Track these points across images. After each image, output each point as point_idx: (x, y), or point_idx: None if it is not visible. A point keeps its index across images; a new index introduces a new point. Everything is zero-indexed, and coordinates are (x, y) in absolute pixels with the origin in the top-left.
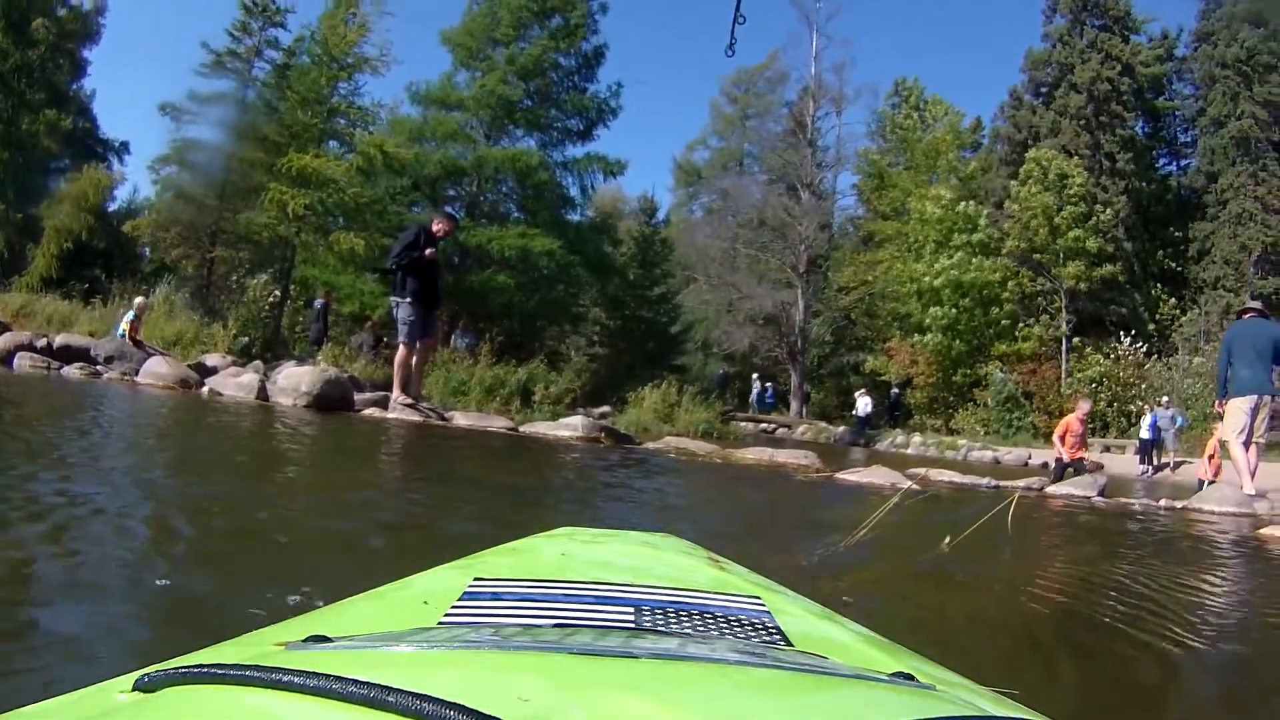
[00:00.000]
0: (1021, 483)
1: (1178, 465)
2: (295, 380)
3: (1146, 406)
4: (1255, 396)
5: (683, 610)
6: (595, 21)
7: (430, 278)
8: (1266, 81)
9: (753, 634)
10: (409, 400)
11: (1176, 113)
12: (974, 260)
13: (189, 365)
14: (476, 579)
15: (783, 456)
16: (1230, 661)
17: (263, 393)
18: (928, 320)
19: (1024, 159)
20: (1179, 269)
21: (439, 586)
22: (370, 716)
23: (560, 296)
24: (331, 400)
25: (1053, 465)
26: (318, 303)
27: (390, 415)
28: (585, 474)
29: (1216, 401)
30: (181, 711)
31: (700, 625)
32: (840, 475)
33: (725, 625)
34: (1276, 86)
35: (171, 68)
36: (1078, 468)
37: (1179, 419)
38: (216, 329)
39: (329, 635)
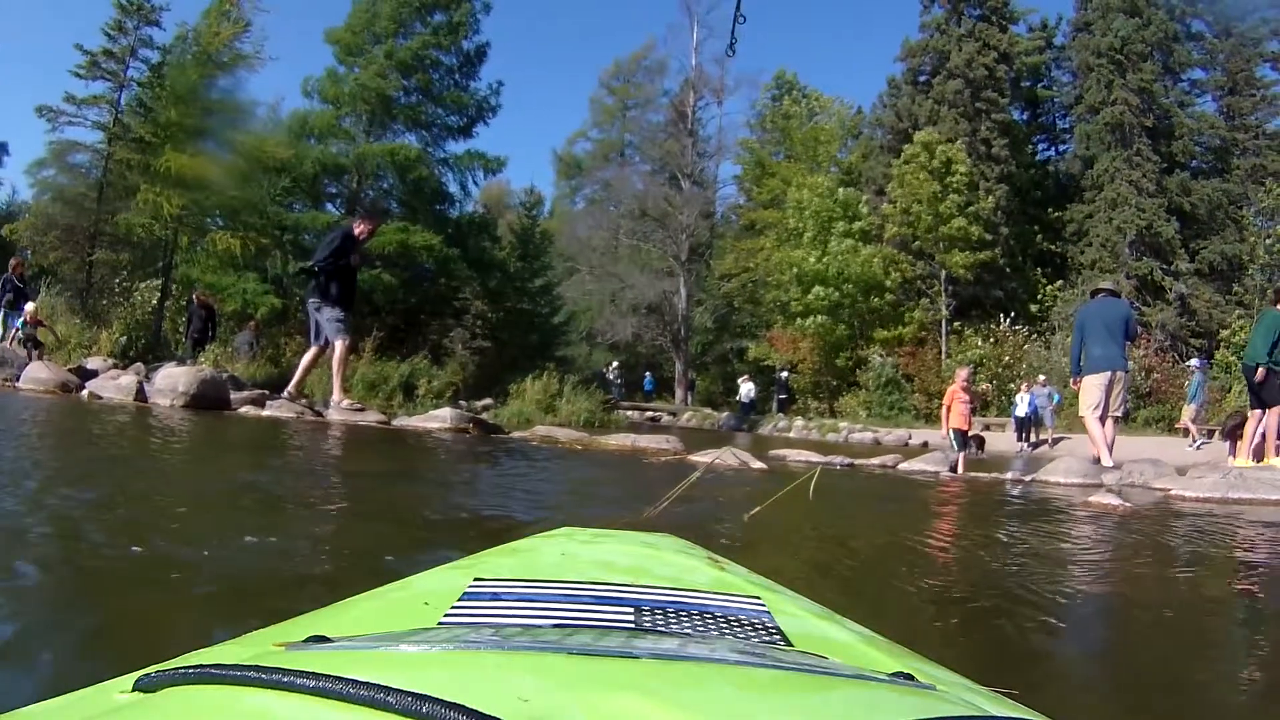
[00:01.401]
0: (876, 460)
1: (1056, 441)
2: (172, 381)
3: (1024, 385)
4: (1109, 373)
5: (683, 610)
6: (478, 20)
7: (351, 281)
8: (1140, 70)
9: (753, 634)
10: (356, 405)
11: (1055, 100)
12: (855, 246)
13: (70, 369)
14: (476, 579)
15: (644, 442)
16: (950, 598)
17: (141, 394)
18: (810, 300)
19: (903, 147)
20: (1058, 252)
21: (439, 586)
22: (370, 716)
23: (442, 291)
24: (207, 400)
25: (950, 439)
26: (195, 305)
27: (265, 413)
28: (443, 461)
29: (1072, 379)
30: (181, 711)
31: (700, 625)
32: (692, 457)
33: (725, 625)
34: (1149, 74)
35: (52, 68)
36: (973, 440)
37: (1055, 397)
38: (99, 332)
39: (329, 635)
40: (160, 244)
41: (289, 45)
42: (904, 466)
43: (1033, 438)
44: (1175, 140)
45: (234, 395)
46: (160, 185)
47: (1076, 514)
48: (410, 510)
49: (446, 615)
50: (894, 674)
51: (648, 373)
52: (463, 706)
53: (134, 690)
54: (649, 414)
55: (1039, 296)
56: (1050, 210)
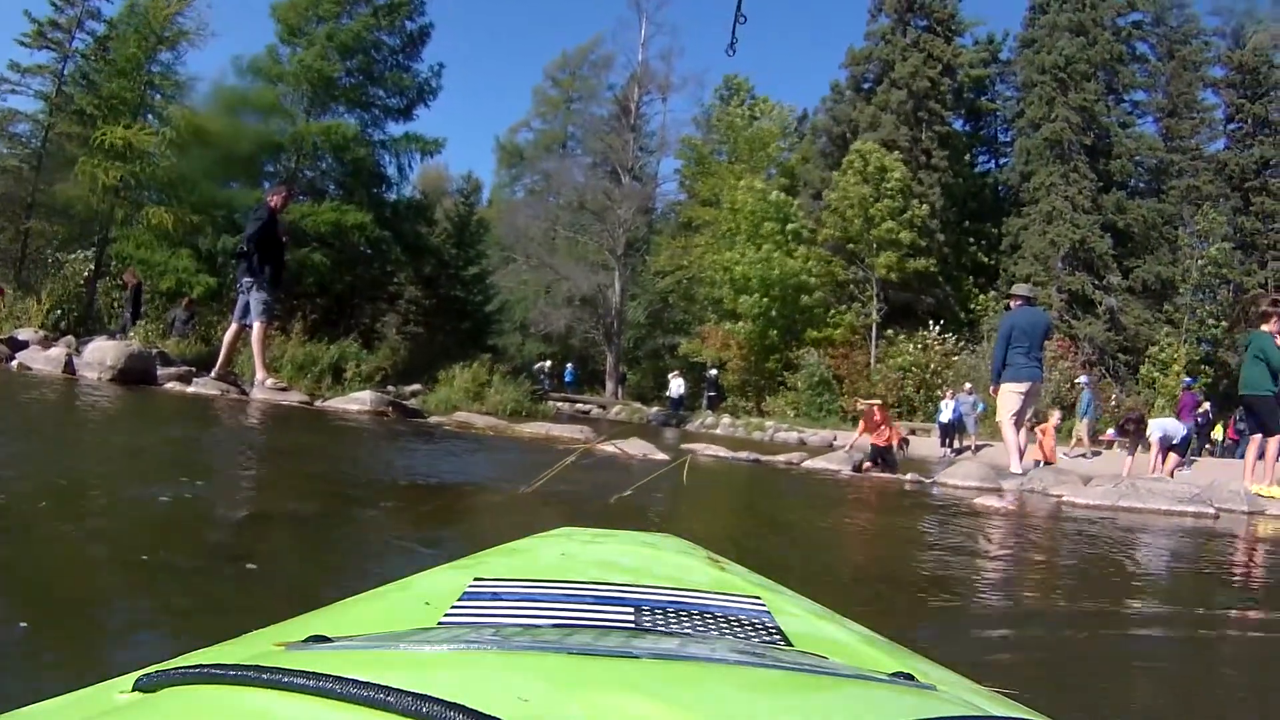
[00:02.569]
0: (781, 458)
1: (978, 448)
2: (100, 355)
3: (949, 392)
4: (1030, 383)
5: (683, 610)
6: (421, 2)
7: (281, 258)
8: (1082, 89)
9: (753, 634)
10: (281, 385)
11: (998, 113)
12: (787, 248)
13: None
14: (476, 579)
15: (558, 430)
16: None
17: (70, 367)
18: (739, 308)
19: (843, 152)
20: (992, 262)
21: (439, 586)
22: (370, 716)
23: (376, 275)
24: (134, 374)
25: (853, 451)
26: (129, 283)
27: (190, 390)
28: (347, 438)
29: (991, 386)
30: (181, 711)
31: (700, 625)
32: (599, 446)
33: (725, 625)
34: (1091, 94)
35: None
36: (887, 455)
37: (980, 404)
38: (30, 304)
39: (329, 635)
40: (96, 217)
41: (234, 21)
42: (808, 464)
43: (956, 444)
44: (1114, 159)
45: (161, 371)
46: (99, 157)
47: (948, 510)
48: (286, 476)
49: (447, 615)
50: (894, 674)
51: (568, 364)
52: (463, 706)
53: (134, 690)
54: (579, 406)
55: (970, 305)
56: (987, 222)
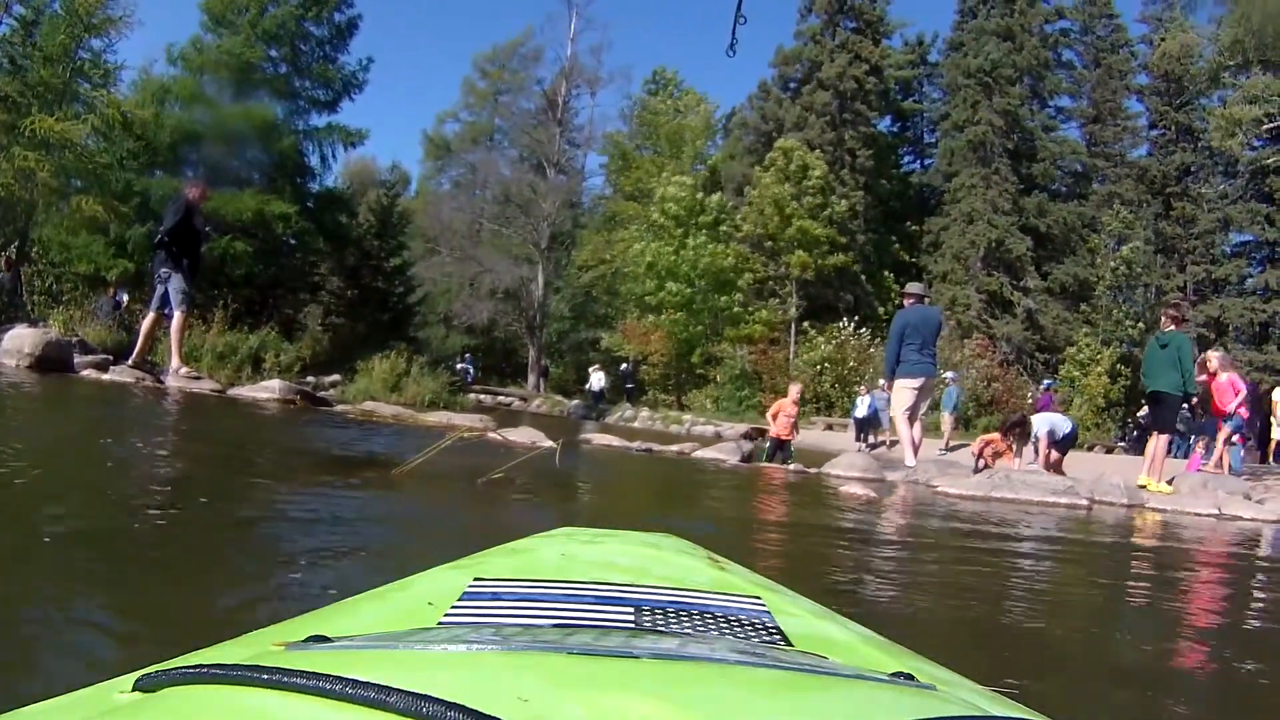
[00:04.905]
0: (674, 448)
1: (893, 443)
2: (19, 342)
3: (863, 388)
4: (923, 378)
5: (683, 610)
6: None
7: (198, 249)
8: (1006, 93)
9: (753, 634)
10: (194, 373)
11: (924, 115)
12: (709, 246)
13: None
14: (476, 579)
15: (459, 419)
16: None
17: None
18: (663, 295)
19: (769, 149)
20: (913, 261)
21: (439, 586)
22: (370, 716)
23: (298, 265)
24: (51, 362)
25: (766, 444)
26: (6, 266)
27: (106, 377)
28: (244, 422)
29: (885, 382)
30: (181, 711)
31: (700, 625)
32: (490, 434)
33: (725, 625)
34: (1015, 98)
35: None
36: (785, 450)
37: None
38: None
39: (329, 635)
40: (17, 204)
41: (162, 11)
42: (698, 454)
43: (871, 439)
44: (1036, 162)
45: (79, 359)
46: (25, 146)
47: (811, 496)
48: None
49: (447, 615)
50: (894, 674)
51: (467, 354)
52: (463, 706)
53: (134, 690)
54: (501, 399)
55: (891, 302)
56: (909, 221)
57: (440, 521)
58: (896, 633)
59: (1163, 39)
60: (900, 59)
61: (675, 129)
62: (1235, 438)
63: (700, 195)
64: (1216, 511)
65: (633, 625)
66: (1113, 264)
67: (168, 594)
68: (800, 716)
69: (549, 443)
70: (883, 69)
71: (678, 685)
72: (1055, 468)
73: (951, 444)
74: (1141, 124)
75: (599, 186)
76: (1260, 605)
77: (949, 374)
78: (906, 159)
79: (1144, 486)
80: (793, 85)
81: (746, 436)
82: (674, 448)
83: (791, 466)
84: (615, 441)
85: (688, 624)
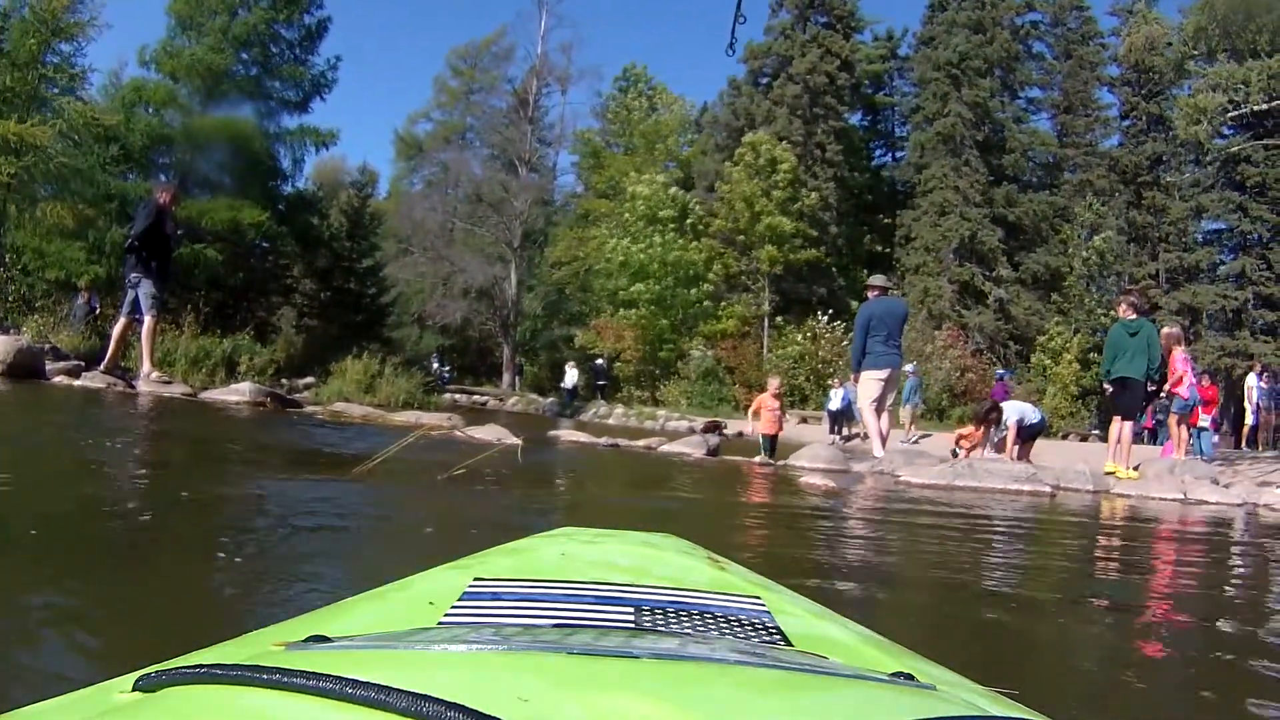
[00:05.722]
0: (640, 443)
1: (866, 435)
2: None
3: (836, 381)
4: (889, 370)
5: (683, 610)
6: None
7: (168, 253)
8: (976, 85)
9: (753, 634)
10: (164, 377)
11: (896, 108)
12: (679, 241)
13: None
14: (476, 579)
15: (428, 418)
16: None
17: None
18: (633, 292)
19: (739, 145)
20: (887, 253)
21: (439, 586)
22: (370, 716)
23: (271, 268)
24: (23, 369)
25: (757, 438)
26: None
27: (77, 383)
28: (214, 425)
29: (852, 374)
30: (181, 711)
31: (700, 625)
32: (457, 431)
33: (725, 625)
34: (985, 90)
35: None
36: (771, 443)
37: None
38: None
39: (329, 635)
40: None
41: (128, 12)
42: (664, 449)
43: (845, 431)
44: (1007, 154)
45: (50, 366)
46: None
47: (768, 486)
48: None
49: (447, 615)
50: (894, 674)
51: (437, 354)
52: (463, 706)
53: (134, 690)
54: (476, 398)
55: (864, 296)
56: (881, 215)
57: (400, 514)
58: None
59: (1129, 33)
60: (872, 53)
61: (652, 127)
62: (1208, 424)
63: (673, 190)
64: (1182, 496)
65: (633, 625)
66: (1084, 253)
67: (135, 589)
68: (800, 716)
69: (514, 440)
70: (853, 63)
71: (678, 685)
72: (1023, 456)
73: (917, 434)
74: (1113, 114)
75: (571, 184)
76: (1207, 584)
77: (908, 366)
78: (879, 152)
79: (1111, 473)
80: (764, 81)
81: (706, 430)
82: (640, 443)
83: (757, 459)
84: (583, 438)
85: (688, 624)
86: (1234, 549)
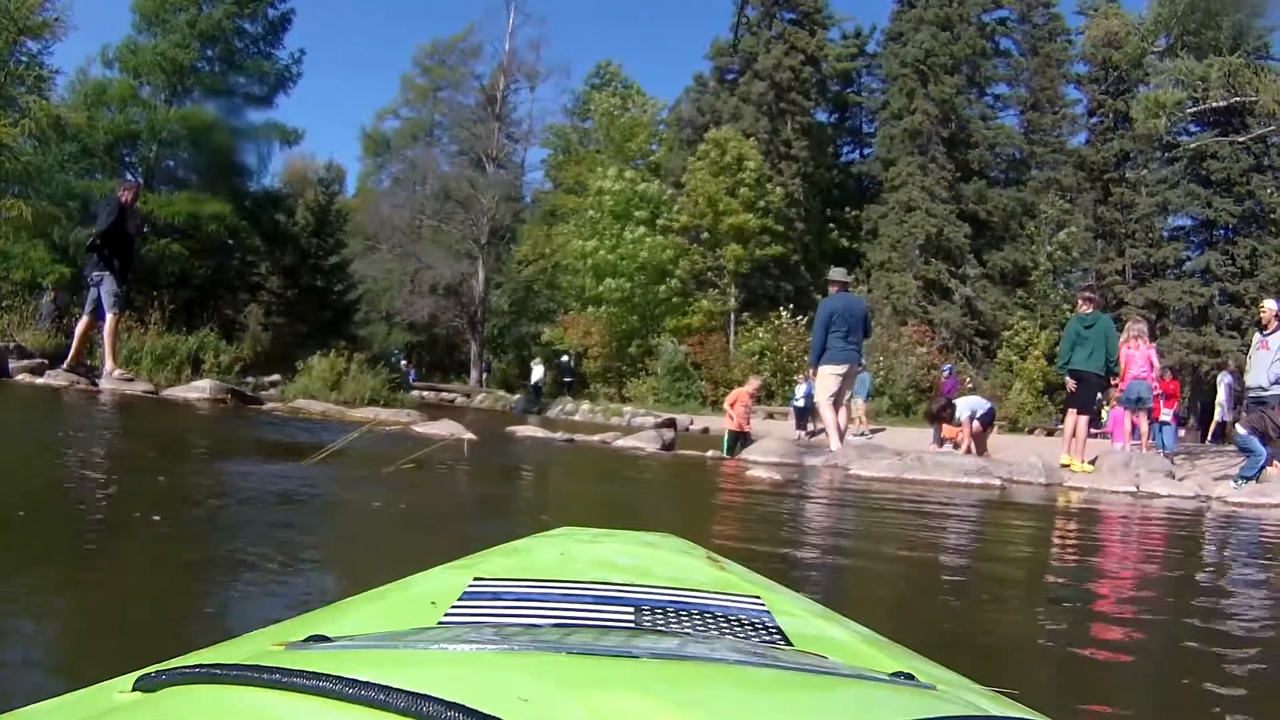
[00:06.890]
0: (597, 437)
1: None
2: None
3: (801, 376)
4: (847, 365)
5: (683, 610)
6: None
7: (130, 251)
8: (942, 82)
9: (753, 634)
10: (127, 375)
11: (863, 105)
12: (648, 239)
13: None
14: (476, 579)
15: (386, 415)
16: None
17: None
18: (601, 290)
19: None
20: (853, 248)
21: (439, 586)
22: (370, 716)
23: (237, 265)
24: None
25: (725, 436)
26: None
27: (40, 381)
28: (170, 420)
29: (811, 369)
30: (181, 711)
31: (700, 625)
32: (413, 427)
33: (725, 625)
34: (951, 87)
35: None
36: (746, 440)
37: None
38: None
39: (329, 635)
40: None
41: (95, 12)
42: (619, 443)
43: (811, 426)
44: (973, 150)
45: (13, 364)
46: None
47: (715, 479)
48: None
49: (447, 615)
50: (894, 674)
51: (397, 352)
52: (463, 706)
53: (134, 690)
54: (444, 395)
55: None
56: (848, 210)
57: (347, 502)
58: None
59: (1089, 27)
60: (840, 51)
61: (628, 124)
62: (1169, 419)
63: (641, 186)
64: (1134, 489)
65: (633, 625)
66: (1049, 248)
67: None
68: (800, 716)
69: (467, 435)
70: (820, 60)
71: (678, 685)
72: (981, 446)
73: (869, 428)
74: (1080, 111)
75: (539, 181)
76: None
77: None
78: (847, 149)
79: (1066, 465)
80: (730, 77)
81: (663, 426)
82: (596, 437)
83: (709, 453)
84: (539, 433)
85: (687, 624)
86: (1176, 542)
